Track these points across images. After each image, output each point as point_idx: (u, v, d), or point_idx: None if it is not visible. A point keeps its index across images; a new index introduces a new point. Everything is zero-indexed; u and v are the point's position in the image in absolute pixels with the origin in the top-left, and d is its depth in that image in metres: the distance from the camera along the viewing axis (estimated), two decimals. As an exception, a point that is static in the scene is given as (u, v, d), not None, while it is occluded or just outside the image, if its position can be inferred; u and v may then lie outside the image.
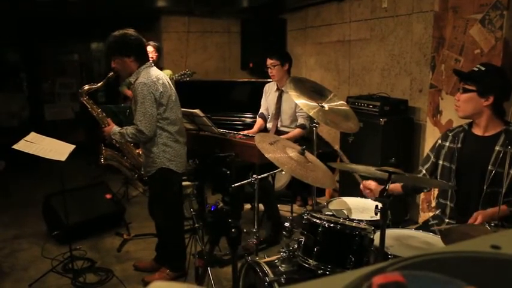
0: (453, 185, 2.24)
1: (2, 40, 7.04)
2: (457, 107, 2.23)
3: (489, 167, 2.14)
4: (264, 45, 5.82)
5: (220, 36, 6.52)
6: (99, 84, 3.07)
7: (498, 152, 2.13)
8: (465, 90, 2.17)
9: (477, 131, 2.24)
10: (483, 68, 2.16)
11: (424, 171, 2.43)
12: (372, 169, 2.02)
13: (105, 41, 2.91)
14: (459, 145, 2.26)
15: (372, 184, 2.38)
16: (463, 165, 2.24)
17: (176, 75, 4.43)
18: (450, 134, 2.35)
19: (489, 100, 2.12)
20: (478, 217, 2.03)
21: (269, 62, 3.81)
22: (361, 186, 2.43)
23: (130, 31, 2.90)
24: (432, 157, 2.41)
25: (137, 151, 3.30)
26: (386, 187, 1.89)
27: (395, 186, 2.39)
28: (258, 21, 6.15)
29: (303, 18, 5.72)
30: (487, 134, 2.20)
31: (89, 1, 5.74)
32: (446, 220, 2.32)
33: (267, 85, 4.13)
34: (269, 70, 3.84)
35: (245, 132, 3.88)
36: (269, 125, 4.06)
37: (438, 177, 2.36)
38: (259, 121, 4.15)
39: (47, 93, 8.02)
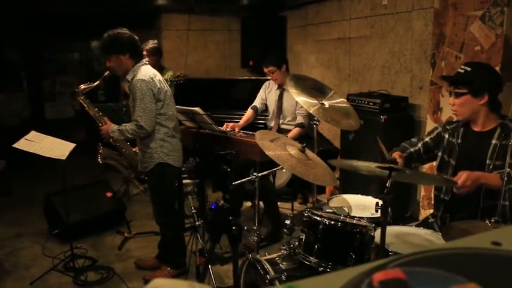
0: (456, 183, 2.23)
1: (2, 39, 7.04)
2: (455, 111, 2.24)
3: (487, 161, 2.15)
4: (264, 43, 5.81)
5: (220, 34, 6.51)
6: (95, 84, 3.08)
7: (494, 146, 2.15)
8: (457, 94, 2.18)
9: (475, 127, 2.25)
10: (468, 69, 2.15)
11: (421, 144, 2.43)
12: (372, 166, 2.02)
13: (100, 41, 2.93)
14: (459, 140, 2.27)
15: (399, 160, 2.34)
16: (463, 160, 2.25)
17: (170, 77, 4.41)
18: (449, 128, 2.36)
19: (484, 98, 2.13)
20: (462, 175, 2.00)
21: (266, 70, 3.85)
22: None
23: (123, 30, 2.92)
24: (431, 143, 2.41)
25: (134, 149, 3.30)
26: (387, 184, 1.89)
27: (398, 161, 2.35)
28: (258, 19, 6.12)
29: (303, 15, 5.71)
30: (484, 129, 2.22)
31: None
32: (439, 214, 2.33)
33: (268, 81, 4.12)
34: (269, 76, 3.90)
35: (230, 125, 3.81)
36: (271, 124, 4.05)
37: (436, 168, 2.37)
38: (249, 112, 4.08)
39: (47, 91, 8.03)
